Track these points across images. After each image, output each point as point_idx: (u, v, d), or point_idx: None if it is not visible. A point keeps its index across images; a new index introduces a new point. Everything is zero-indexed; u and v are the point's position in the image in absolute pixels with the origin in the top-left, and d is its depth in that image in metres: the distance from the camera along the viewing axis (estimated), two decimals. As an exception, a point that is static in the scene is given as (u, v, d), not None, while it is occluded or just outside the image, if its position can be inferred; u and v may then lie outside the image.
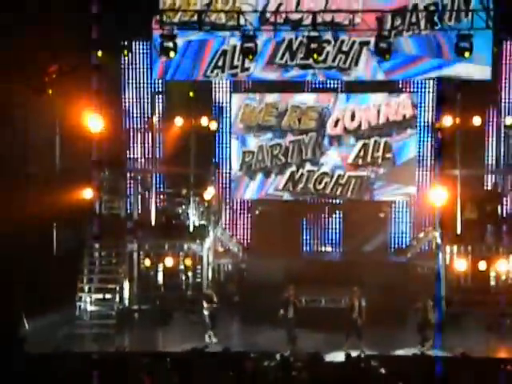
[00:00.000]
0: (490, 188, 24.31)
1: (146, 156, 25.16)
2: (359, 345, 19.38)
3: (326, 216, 25.95)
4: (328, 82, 25.45)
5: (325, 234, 25.95)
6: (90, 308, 21.82)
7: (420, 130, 25.27)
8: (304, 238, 25.89)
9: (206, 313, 20.61)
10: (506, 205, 23.53)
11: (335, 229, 25.91)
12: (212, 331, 20.29)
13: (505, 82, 24.76)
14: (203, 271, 22.72)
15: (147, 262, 22.62)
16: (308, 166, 25.44)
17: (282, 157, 25.47)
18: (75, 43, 21.04)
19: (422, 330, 19.73)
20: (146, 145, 25.20)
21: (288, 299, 20.45)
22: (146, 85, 25.40)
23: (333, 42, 24.26)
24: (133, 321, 22.17)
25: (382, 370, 16.10)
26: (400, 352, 19.39)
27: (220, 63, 24.25)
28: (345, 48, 24.37)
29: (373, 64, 24.10)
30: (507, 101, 24.72)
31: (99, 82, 22.57)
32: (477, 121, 23.80)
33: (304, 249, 25.88)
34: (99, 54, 20.25)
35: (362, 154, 25.20)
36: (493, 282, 22.30)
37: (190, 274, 23.00)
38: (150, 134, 24.73)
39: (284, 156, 25.47)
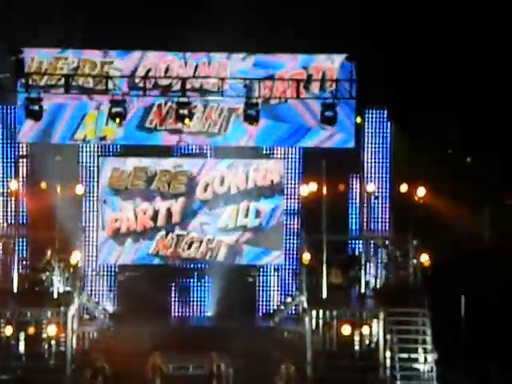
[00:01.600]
0: (351, 253, 24.92)
1: (9, 221, 24.54)
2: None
3: (195, 281, 25.86)
4: (197, 146, 25.64)
5: (194, 299, 25.82)
6: None
7: (287, 195, 25.70)
8: (172, 303, 25.68)
9: None
10: (370, 270, 24.10)
11: (204, 294, 25.82)
12: None
13: (367, 150, 25.56)
14: (67, 339, 22.08)
15: (8, 331, 21.78)
16: (177, 231, 25.42)
17: (151, 221, 25.35)
18: None
19: None
20: (9, 210, 24.59)
21: (154, 366, 20.16)
22: (8, 149, 24.88)
23: (202, 108, 24.61)
24: (-8, 392, 21.30)
25: None
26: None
27: (88, 127, 24.12)
28: (214, 114, 24.76)
29: (241, 130, 24.55)
30: (369, 168, 25.52)
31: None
32: (341, 187, 24.49)
33: (172, 314, 25.66)
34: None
35: (231, 218, 25.40)
36: (357, 347, 22.65)
37: (53, 342, 22.28)
38: (13, 199, 24.15)
39: (153, 220, 25.35)
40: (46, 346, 22.36)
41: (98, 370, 19.87)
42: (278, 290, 25.82)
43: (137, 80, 23.44)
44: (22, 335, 22.05)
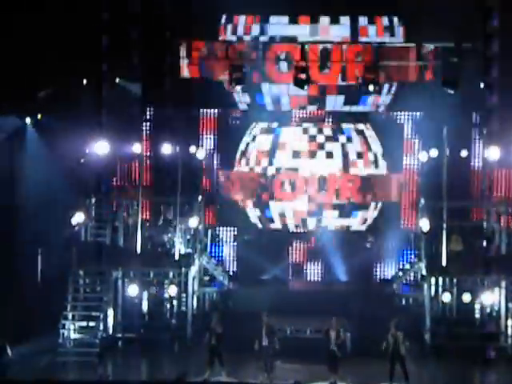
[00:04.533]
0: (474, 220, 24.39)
1: (133, 183, 25.11)
2: (344, 376, 19.25)
3: (312, 245, 25.91)
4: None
5: (311, 263, 25.90)
6: (73, 336, 21.65)
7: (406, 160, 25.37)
8: (290, 267, 25.83)
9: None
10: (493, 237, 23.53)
11: (321, 259, 25.85)
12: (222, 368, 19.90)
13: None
14: (188, 300, 22.60)
15: (132, 290, 22.44)
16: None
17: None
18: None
19: (392, 363, 19.45)
20: (133, 172, 25.15)
21: (263, 329, 20.31)
22: (133, 112, 25.38)
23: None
24: (116, 349, 22.02)
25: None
26: (384, 385, 19.28)
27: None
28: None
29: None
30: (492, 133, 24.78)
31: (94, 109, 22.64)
32: (463, 153, 23.98)
33: (290, 278, 25.83)
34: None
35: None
36: (478, 315, 22.27)
37: (174, 302, 22.82)
38: (137, 162, 24.70)
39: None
40: (168, 306, 22.97)
41: (212, 331, 20.12)
42: (396, 256, 25.65)
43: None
44: (145, 295, 22.70)
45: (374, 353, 20.27)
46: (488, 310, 22.15)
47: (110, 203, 24.28)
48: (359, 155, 25.25)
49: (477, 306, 22.22)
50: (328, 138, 25.18)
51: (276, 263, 25.35)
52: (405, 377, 19.18)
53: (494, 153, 23.76)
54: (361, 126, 25.36)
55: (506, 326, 21.62)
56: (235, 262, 25.86)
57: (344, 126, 25.25)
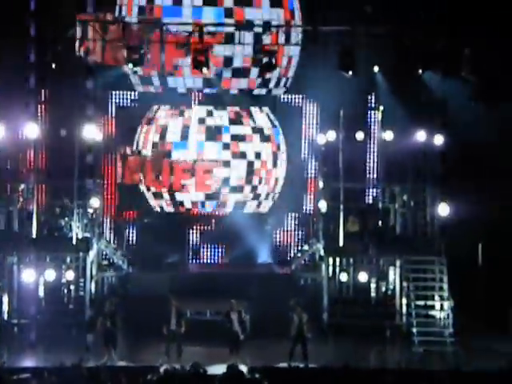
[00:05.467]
0: (370, 202, 24.90)
1: (27, 167, 24.52)
2: (243, 357, 19.40)
3: (213, 228, 25.94)
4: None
5: (211, 246, 25.94)
6: (-33, 322, 21.16)
7: (305, 142, 25.67)
8: (190, 250, 25.82)
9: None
10: (388, 218, 24.10)
11: (221, 241, 25.91)
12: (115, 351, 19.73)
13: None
14: (86, 284, 22.33)
15: (28, 276, 22.00)
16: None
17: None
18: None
19: (294, 343, 19.65)
20: (28, 155, 24.54)
21: (172, 312, 20.31)
22: (28, 92, 24.75)
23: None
24: (12, 335, 21.58)
25: (266, 383, 16.19)
26: (284, 364, 19.50)
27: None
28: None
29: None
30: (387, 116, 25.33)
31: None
32: (359, 135, 24.42)
33: (190, 261, 25.82)
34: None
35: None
36: (373, 294, 22.77)
37: (72, 287, 22.53)
38: (32, 144, 24.11)
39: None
40: (66, 291, 22.66)
41: (105, 315, 19.95)
42: (294, 237, 25.94)
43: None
44: (41, 280, 22.29)
45: (272, 333, 20.55)
46: (383, 289, 22.70)
47: (3, 187, 23.67)
48: (256, 139, 25.29)
49: (373, 286, 22.73)
50: (226, 121, 25.16)
51: (176, 247, 25.29)
52: (304, 357, 19.46)
53: (388, 135, 24.35)
54: (258, 109, 25.44)
55: (401, 305, 22.17)
56: (135, 246, 25.64)
57: (242, 108, 25.27)
